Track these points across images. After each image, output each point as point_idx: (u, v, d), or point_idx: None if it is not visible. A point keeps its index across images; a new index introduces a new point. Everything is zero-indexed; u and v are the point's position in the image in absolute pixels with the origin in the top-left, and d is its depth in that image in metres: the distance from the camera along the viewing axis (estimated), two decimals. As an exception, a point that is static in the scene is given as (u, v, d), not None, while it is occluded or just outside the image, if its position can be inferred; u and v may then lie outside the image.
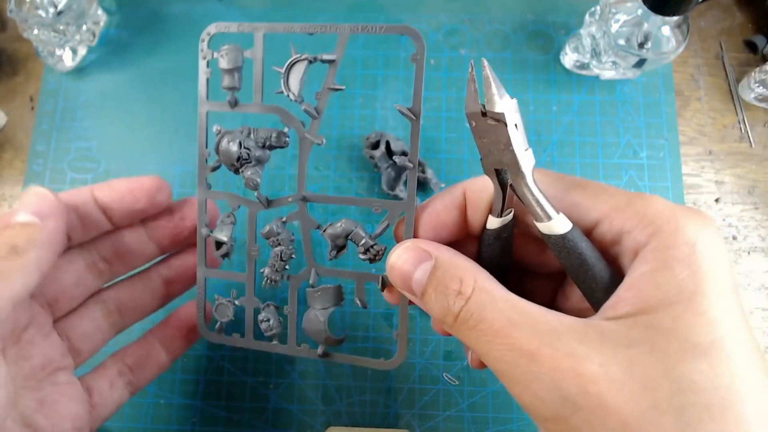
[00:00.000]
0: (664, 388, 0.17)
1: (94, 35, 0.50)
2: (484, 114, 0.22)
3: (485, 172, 0.23)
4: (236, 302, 0.32)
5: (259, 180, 0.29)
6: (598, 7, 0.45)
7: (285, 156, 0.47)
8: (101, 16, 0.50)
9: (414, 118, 0.26)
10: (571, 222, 0.22)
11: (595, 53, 0.46)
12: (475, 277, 0.22)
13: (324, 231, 0.29)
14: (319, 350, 0.30)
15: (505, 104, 0.21)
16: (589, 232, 0.22)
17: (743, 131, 0.48)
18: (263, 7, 0.52)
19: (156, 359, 0.34)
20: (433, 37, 0.50)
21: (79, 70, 0.50)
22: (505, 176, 0.23)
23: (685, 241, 0.19)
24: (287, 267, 0.30)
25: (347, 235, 0.28)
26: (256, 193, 0.29)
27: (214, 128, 0.29)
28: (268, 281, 0.30)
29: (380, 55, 0.50)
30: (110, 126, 0.48)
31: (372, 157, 0.45)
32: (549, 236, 0.22)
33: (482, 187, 0.25)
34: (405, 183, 0.45)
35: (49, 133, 0.48)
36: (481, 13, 0.51)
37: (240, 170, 0.29)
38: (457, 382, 0.42)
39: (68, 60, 0.49)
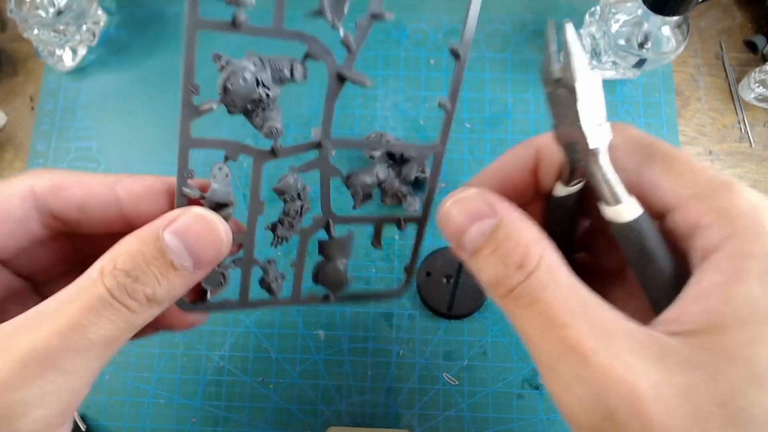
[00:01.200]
0: (716, 419, 0.16)
1: (94, 35, 0.50)
2: (557, 81, 0.20)
3: (556, 141, 0.21)
4: (232, 265, 0.26)
5: (280, 126, 0.23)
6: (598, 7, 0.45)
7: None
8: (101, 16, 0.50)
9: (459, 56, 0.24)
10: (642, 206, 0.20)
11: (595, 53, 0.46)
12: (542, 251, 0.19)
13: (348, 179, 0.25)
14: (332, 297, 0.27)
15: (581, 75, 0.19)
16: (661, 217, 0.20)
17: (743, 131, 0.48)
18: (264, 7, 0.52)
19: None
20: (433, 37, 0.50)
21: (79, 70, 0.50)
22: (575, 147, 0.21)
23: (766, 251, 0.16)
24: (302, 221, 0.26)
25: (380, 183, 0.25)
26: (273, 143, 0.24)
27: (220, 60, 0.22)
28: (279, 240, 0.26)
29: (380, 55, 0.50)
30: (110, 126, 0.49)
31: (372, 157, 0.45)
32: (612, 222, 0.20)
33: (557, 149, 0.22)
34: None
35: (49, 133, 0.48)
36: (481, 13, 0.51)
37: (253, 113, 0.23)
38: (457, 382, 0.42)
39: (68, 60, 0.49)
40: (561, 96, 0.20)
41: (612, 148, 0.20)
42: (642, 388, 0.16)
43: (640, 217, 0.19)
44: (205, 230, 0.21)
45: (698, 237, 0.18)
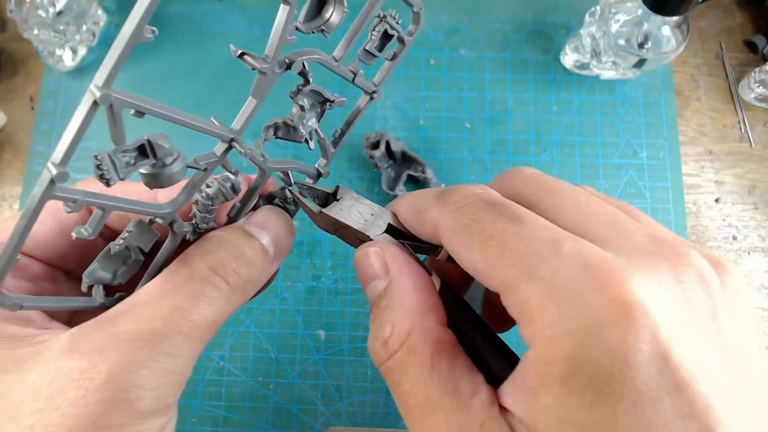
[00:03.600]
0: None
1: (94, 35, 0.50)
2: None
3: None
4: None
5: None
6: (598, 7, 0.45)
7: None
8: (101, 16, 0.50)
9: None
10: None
11: (595, 53, 0.46)
12: (411, 329, 0.18)
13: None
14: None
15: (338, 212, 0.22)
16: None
17: (743, 131, 0.48)
18: (264, 8, 0.52)
19: None
20: (433, 37, 0.50)
21: (79, 70, 0.50)
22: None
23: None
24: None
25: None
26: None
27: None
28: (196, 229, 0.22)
29: (380, 55, 0.50)
30: (110, 126, 0.49)
31: (372, 157, 0.45)
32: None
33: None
34: (405, 183, 0.45)
35: (49, 133, 0.48)
36: (481, 13, 0.51)
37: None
38: (457, 382, 0.42)
39: (68, 60, 0.49)
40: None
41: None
42: None
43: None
44: (280, 219, 0.22)
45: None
